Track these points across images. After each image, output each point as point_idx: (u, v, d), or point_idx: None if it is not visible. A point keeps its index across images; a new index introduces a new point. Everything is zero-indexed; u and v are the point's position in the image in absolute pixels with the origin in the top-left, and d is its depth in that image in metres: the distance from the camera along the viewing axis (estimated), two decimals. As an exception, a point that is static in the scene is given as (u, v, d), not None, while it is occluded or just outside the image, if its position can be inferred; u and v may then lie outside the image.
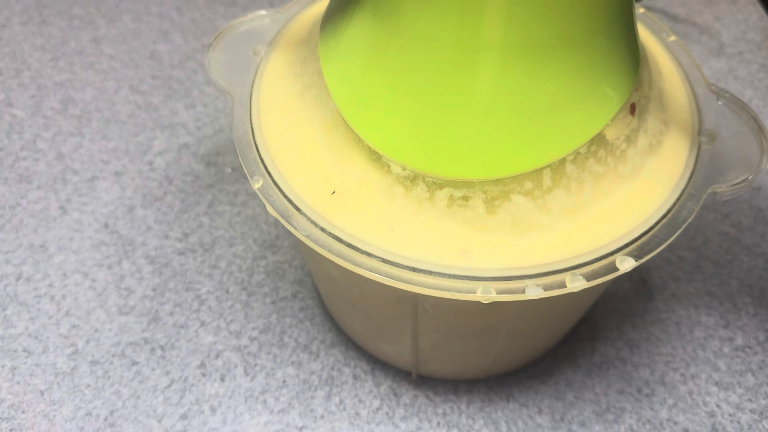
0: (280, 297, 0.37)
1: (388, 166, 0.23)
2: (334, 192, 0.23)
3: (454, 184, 0.22)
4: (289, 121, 0.25)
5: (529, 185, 0.22)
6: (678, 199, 0.23)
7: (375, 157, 0.23)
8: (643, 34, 0.29)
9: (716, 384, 0.34)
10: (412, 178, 0.22)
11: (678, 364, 0.35)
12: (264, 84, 0.27)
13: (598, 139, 0.22)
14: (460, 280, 0.21)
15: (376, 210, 0.23)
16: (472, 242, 0.22)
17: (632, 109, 0.23)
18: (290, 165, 0.24)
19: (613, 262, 0.22)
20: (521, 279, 0.21)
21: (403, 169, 0.22)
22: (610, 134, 0.23)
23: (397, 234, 0.22)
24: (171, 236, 0.39)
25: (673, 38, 0.29)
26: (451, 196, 0.22)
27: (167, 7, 0.54)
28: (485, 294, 0.21)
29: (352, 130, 0.23)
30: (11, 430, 0.32)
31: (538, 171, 0.22)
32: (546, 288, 0.21)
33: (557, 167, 0.22)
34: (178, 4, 0.54)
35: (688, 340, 0.35)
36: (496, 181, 0.22)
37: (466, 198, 0.22)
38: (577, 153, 0.22)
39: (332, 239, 0.22)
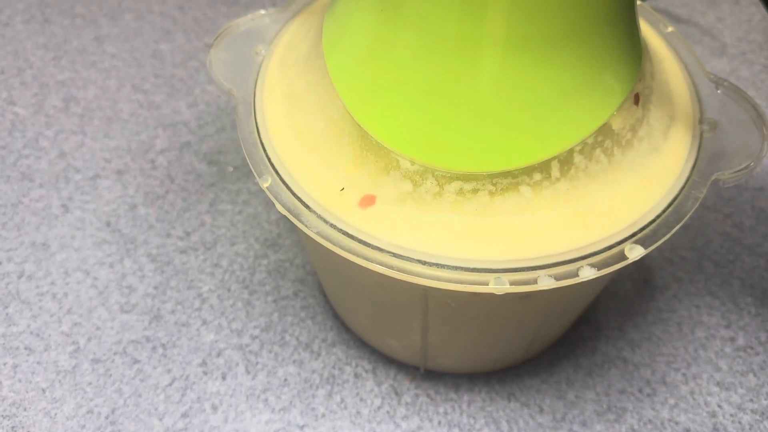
0: (281, 296, 0.37)
1: (397, 161, 0.23)
2: (343, 189, 0.23)
3: (464, 177, 0.22)
4: (295, 119, 0.25)
5: (537, 176, 0.22)
6: (683, 187, 0.24)
7: (383, 152, 0.23)
8: (642, 25, 0.29)
9: (718, 384, 0.34)
10: (421, 173, 0.22)
11: (679, 364, 0.35)
12: (267, 83, 0.27)
13: (604, 130, 0.23)
14: (472, 273, 0.21)
15: (385, 206, 0.23)
16: (482, 234, 0.22)
17: (636, 99, 0.23)
18: (297, 163, 0.24)
19: (622, 251, 0.22)
20: (533, 270, 0.22)
21: (412, 163, 0.22)
22: (616, 124, 0.23)
23: (408, 228, 0.22)
24: (173, 235, 0.39)
25: (670, 29, 0.29)
26: (461, 189, 0.22)
27: (169, 6, 0.54)
28: (498, 285, 0.21)
29: (359, 126, 0.23)
30: (13, 427, 0.32)
31: (546, 162, 0.22)
32: (557, 278, 0.21)
33: (565, 158, 0.22)
34: (180, 3, 0.54)
35: (689, 340, 0.35)
36: (505, 173, 0.22)
37: (475, 191, 0.22)
38: (584, 143, 0.22)
39: (343, 235, 0.22)
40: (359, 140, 0.23)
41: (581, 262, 0.22)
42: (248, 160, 0.25)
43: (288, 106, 0.26)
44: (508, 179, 0.22)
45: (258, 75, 0.28)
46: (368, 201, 0.23)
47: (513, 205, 0.22)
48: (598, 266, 0.22)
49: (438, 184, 0.22)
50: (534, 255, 0.22)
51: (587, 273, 0.22)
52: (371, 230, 0.22)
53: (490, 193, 0.22)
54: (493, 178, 0.22)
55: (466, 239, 0.22)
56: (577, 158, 0.22)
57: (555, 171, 0.22)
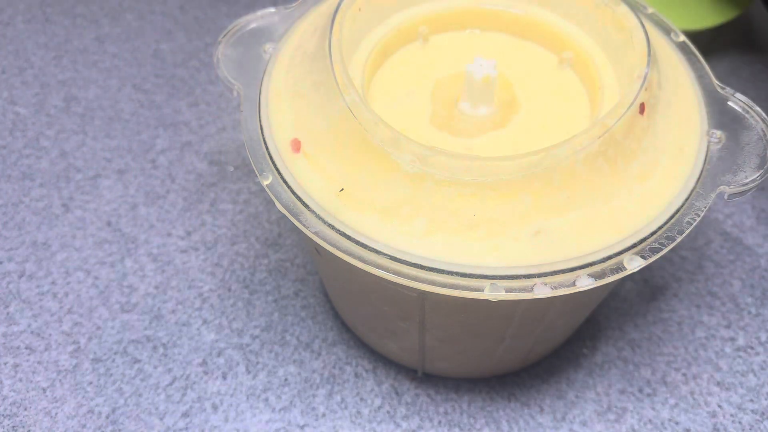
0: (282, 295, 0.37)
1: (397, 163, 0.23)
2: (342, 189, 0.23)
3: (463, 182, 0.22)
4: (298, 118, 0.25)
5: (537, 184, 0.22)
6: (686, 199, 0.23)
7: (383, 154, 0.23)
8: (653, 34, 0.29)
9: (718, 384, 0.34)
10: (420, 176, 0.22)
11: (680, 364, 0.35)
12: (273, 81, 0.27)
13: (608, 138, 0.22)
14: (468, 278, 0.21)
15: (384, 207, 0.23)
16: (480, 240, 0.22)
17: (641, 108, 0.23)
18: (298, 162, 0.24)
19: (621, 262, 0.22)
20: (530, 278, 0.21)
21: (412, 166, 0.22)
22: (620, 133, 0.23)
23: (406, 231, 0.22)
24: (173, 234, 0.39)
25: (681, 38, 0.29)
26: (460, 193, 0.22)
27: (170, 6, 0.54)
28: (493, 292, 0.21)
29: (361, 126, 0.23)
30: (13, 427, 0.32)
31: (548, 170, 0.22)
32: (554, 287, 0.21)
33: (566, 167, 0.22)
34: (182, 3, 0.54)
35: (689, 340, 0.35)
36: (506, 181, 0.22)
37: (474, 195, 0.22)
38: (586, 152, 0.22)
39: (341, 236, 0.22)
40: (360, 141, 0.23)
41: (579, 272, 0.22)
42: (250, 158, 0.25)
43: (292, 105, 0.26)
44: (508, 186, 0.22)
45: (264, 73, 0.28)
46: (366, 202, 0.23)
47: (512, 212, 0.22)
48: (596, 276, 0.22)
49: (437, 187, 0.22)
50: (531, 263, 0.22)
51: (584, 283, 0.21)
52: (369, 231, 0.22)
53: (490, 198, 0.22)
54: (493, 183, 0.22)
55: (463, 244, 0.22)
56: (579, 168, 0.22)
57: (556, 180, 0.22)
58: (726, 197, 0.24)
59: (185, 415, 0.33)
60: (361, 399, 0.33)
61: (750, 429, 0.32)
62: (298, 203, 0.23)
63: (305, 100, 0.25)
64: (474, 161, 0.22)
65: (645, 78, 0.24)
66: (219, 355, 0.35)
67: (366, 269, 0.22)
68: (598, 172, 0.23)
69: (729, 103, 0.26)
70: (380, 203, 0.23)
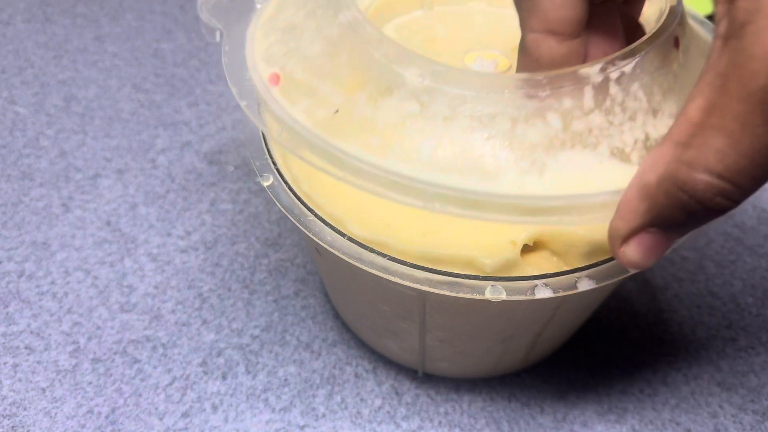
0: (282, 295, 0.37)
1: (402, 76, 0.20)
2: (337, 111, 0.21)
3: (480, 99, 0.19)
4: (290, 49, 0.24)
5: (568, 102, 0.19)
6: None
7: (385, 69, 0.20)
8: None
9: (719, 384, 0.34)
10: (430, 91, 0.20)
11: (680, 365, 0.35)
12: (262, 19, 0.25)
13: (643, 63, 0.20)
14: (469, 280, 0.21)
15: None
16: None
17: (676, 42, 0.21)
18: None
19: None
20: (530, 279, 0.21)
21: (422, 80, 0.20)
22: (657, 60, 0.20)
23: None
24: (173, 234, 0.39)
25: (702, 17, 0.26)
26: (476, 113, 0.19)
27: (171, 6, 0.54)
28: (494, 294, 0.21)
29: (360, 44, 0.22)
30: (13, 427, 0.32)
31: (579, 87, 0.19)
32: (555, 289, 0.21)
33: (600, 85, 0.19)
34: (182, 3, 0.54)
35: (690, 341, 0.35)
36: (530, 97, 0.19)
37: (493, 115, 0.19)
38: (621, 72, 0.19)
39: (341, 236, 0.22)
40: (359, 59, 0.21)
41: (580, 273, 0.21)
42: (251, 159, 0.25)
43: (282, 38, 0.23)
44: (534, 101, 0.19)
45: (254, 15, 0.25)
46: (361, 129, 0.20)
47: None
48: (598, 279, 0.21)
49: (449, 105, 0.19)
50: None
51: (586, 285, 0.21)
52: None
53: (512, 119, 0.19)
54: (515, 100, 0.19)
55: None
56: (614, 88, 0.19)
57: (588, 100, 0.19)
58: None
59: (185, 415, 0.32)
60: (362, 399, 0.33)
61: (751, 429, 0.32)
62: (299, 204, 0.23)
63: (298, 31, 0.23)
64: (483, 77, 0.20)
65: (679, 11, 0.21)
66: (219, 355, 0.35)
67: (368, 270, 0.22)
68: (633, 99, 0.20)
69: None
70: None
